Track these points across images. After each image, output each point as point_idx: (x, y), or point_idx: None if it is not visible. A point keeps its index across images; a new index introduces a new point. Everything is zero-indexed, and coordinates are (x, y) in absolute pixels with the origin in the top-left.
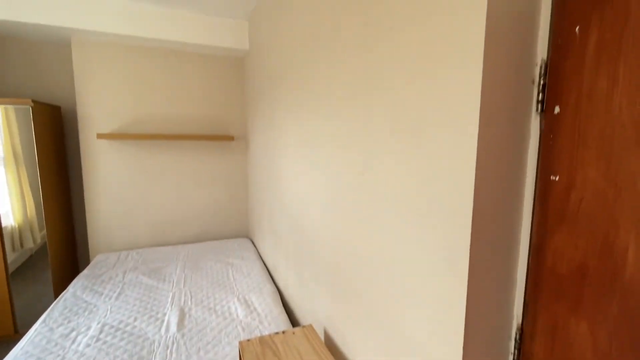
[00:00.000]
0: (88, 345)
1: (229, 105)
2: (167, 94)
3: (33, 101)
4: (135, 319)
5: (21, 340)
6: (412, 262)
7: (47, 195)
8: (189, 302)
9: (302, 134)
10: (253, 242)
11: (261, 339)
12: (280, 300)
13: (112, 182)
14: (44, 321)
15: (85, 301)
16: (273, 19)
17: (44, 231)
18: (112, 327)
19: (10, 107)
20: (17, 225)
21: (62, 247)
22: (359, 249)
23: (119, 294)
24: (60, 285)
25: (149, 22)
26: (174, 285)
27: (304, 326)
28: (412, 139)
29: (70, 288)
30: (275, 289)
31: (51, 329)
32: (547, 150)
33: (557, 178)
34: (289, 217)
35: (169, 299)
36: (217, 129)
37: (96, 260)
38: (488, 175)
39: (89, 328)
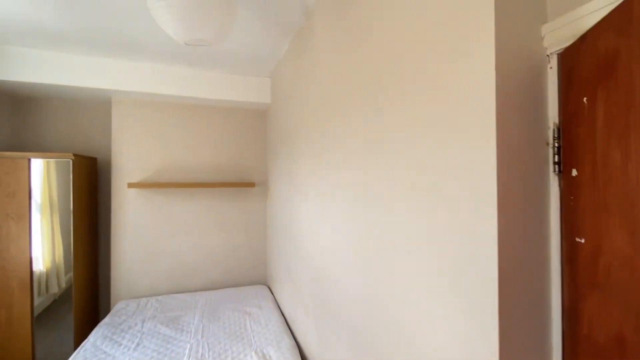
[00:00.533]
0: None
1: (251, 153)
2: (193, 144)
3: (74, 155)
4: None
5: None
6: (438, 329)
7: (77, 241)
8: (207, 356)
9: (320, 186)
10: (271, 290)
11: None
12: (299, 355)
13: (137, 229)
14: None
15: (104, 352)
16: (293, 77)
17: (69, 275)
18: None
19: (52, 160)
20: (44, 270)
21: (86, 293)
22: (383, 307)
23: (137, 344)
24: (82, 331)
25: (180, 82)
26: (192, 335)
27: None
28: (433, 198)
29: (91, 337)
30: (294, 342)
31: None
32: (569, 211)
33: (582, 240)
34: (308, 268)
35: (187, 351)
36: (239, 176)
37: (117, 307)
38: (511, 235)
39: None
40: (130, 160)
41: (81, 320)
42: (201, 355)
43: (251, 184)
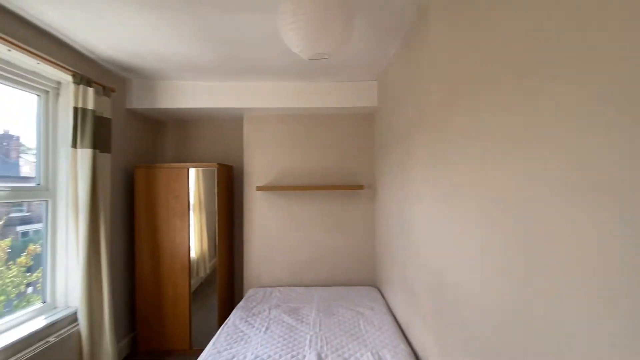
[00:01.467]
0: None
1: (359, 156)
2: (307, 150)
3: (217, 164)
4: (280, 357)
5: (199, 358)
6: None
7: (220, 235)
8: (325, 348)
9: (441, 188)
10: (381, 292)
11: None
12: None
13: (263, 226)
14: (213, 344)
15: (242, 331)
16: (404, 77)
17: (212, 262)
18: (262, 359)
19: (201, 169)
20: (195, 257)
21: (225, 278)
22: (526, 325)
23: (267, 328)
24: (222, 309)
25: (295, 95)
26: (311, 327)
27: None
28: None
29: (231, 317)
30: (411, 350)
31: (218, 352)
32: None
33: None
34: (426, 274)
35: (307, 341)
36: (348, 179)
37: (249, 294)
38: None
39: (245, 357)
40: (257, 167)
41: (222, 300)
42: (320, 347)
43: (360, 187)
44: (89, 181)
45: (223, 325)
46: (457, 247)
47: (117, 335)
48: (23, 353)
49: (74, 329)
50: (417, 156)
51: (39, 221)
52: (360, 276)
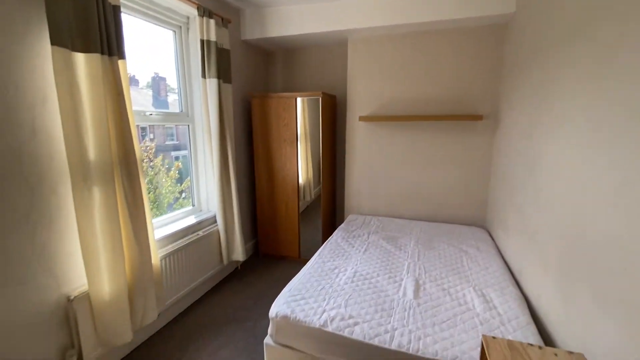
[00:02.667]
0: (346, 283)
1: (478, 82)
2: (417, 76)
3: (322, 93)
4: (378, 275)
5: (306, 265)
6: None
7: (324, 162)
8: (423, 276)
9: (596, 120)
10: (490, 234)
11: (510, 343)
12: (527, 309)
13: (364, 156)
14: (319, 255)
15: (343, 248)
16: None
17: (316, 190)
18: (362, 275)
19: (306, 98)
20: (302, 183)
21: (328, 203)
22: None
23: (365, 250)
24: (325, 230)
25: (406, 8)
26: (409, 256)
27: (571, 352)
28: None
29: (334, 236)
30: (521, 294)
31: (323, 262)
32: None
33: None
34: (553, 219)
35: (405, 267)
36: (464, 109)
37: (349, 218)
38: None
39: (346, 270)
40: (361, 96)
41: (325, 221)
42: (418, 275)
43: (477, 117)
44: (217, 108)
45: (326, 241)
46: (599, 197)
47: (244, 238)
48: (183, 239)
49: (214, 228)
50: (567, 77)
51: (184, 148)
52: (467, 215)
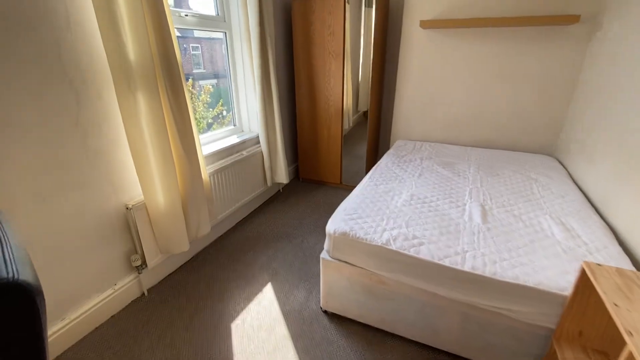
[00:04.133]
0: (404, 205)
1: None
2: None
3: None
4: (437, 199)
5: (358, 187)
6: None
7: (374, 81)
8: (489, 202)
9: None
10: (562, 164)
11: (620, 271)
12: (616, 240)
13: (420, 74)
14: (370, 178)
15: (394, 172)
16: None
17: (354, 117)
18: (419, 198)
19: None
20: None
21: (373, 127)
22: None
23: (420, 175)
24: (370, 156)
25: None
26: (470, 182)
27: None
28: None
29: (383, 160)
30: (606, 225)
31: (376, 185)
32: None
33: None
34: None
35: (467, 193)
36: (551, 8)
37: (397, 144)
38: None
39: (401, 193)
40: None
41: (369, 147)
42: (483, 200)
43: (572, 18)
44: (257, 8)
45: (375, 166)
46: None
47: (287, 160)
48: (228, 158)
49: (257, 149)
50: None
51: (211, 77)
52: (535, 142)
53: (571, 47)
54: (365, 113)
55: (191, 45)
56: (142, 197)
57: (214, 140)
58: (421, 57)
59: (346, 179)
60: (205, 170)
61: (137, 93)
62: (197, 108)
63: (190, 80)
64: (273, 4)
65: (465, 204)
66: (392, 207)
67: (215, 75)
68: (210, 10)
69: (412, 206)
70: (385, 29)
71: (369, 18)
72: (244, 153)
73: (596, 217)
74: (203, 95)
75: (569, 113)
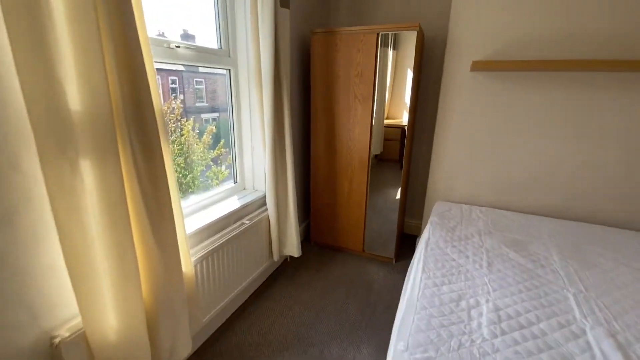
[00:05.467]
0: (492, 334)
1: None
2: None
3: (418, 25)
4: (537, 318)
5: (409, 288)
6: None
7: (409, 129)
8: (615, 325)
9: None
10: None
11: None
12: None
13: (467, 122)
14: (423, 270)
15: (453, 259)
16: None
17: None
18: (509, 315)
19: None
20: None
21: (405, 181)
22: None
23: (489, 265)
24: (400, 220)
25: None
26: (564, 279)
27: None
28: None
29: (430, 235)
30: None
31: (436, 286)
32: None
33: None
34: None
35: (572, 304)
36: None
37: (438, 207)
38: None
39: (478, 304)
40: (472, 32)
41: (401, 209)
42: (605, 321)
43: None
44: (272, 44)
45: (423, 242)
46: None
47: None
48: (224, 232)
49: (263, 214)
50: None
51: (215, 111)
52: (620, 213)
53: None
54: (377, 156)
55: (195, 79)
56: (80, 322)
57: (206, 206)
58: (467, 101)
59: (371, 245)
60: (189, 259)
61: (78, 160)
62: (195, 149)
63: (191, 118)
64: (290, 37)
65: (585, 333)
66: (476, 339)
67: (214, 115)
68: (212, 42)
69: (506, 335)
70: (420, 67)
71: (399, 57)
72: (246, 222)
73: None
74: (205, 137)
75: None
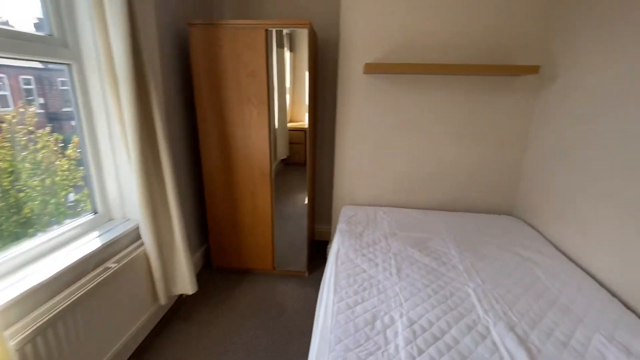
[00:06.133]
0: (411, 355)
1: (524, 20)
2: (444, 7)
3: (309, 22)
4: (447, 324)
5: (322, 314)
6: None
7: (311, 133)
8: (513, 317)
9: None
10: (528, 224)
11: None
12: None
13: (365, 125)
14: (335, 291)
15: (364, 271)
16: None
17: (275, 167)
18: (424, 329)
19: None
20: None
21: (314, 191)
22: None
23: (399, 270)
24: (310, 229)
25: None
26: (464, 274)
27: None
28: None
29: (339, 246)
30: None
31: (348, 306)
32: None
33: None
34: None
35: (474, 300)
36: (502, 58)
37: (345, 212)
38: None
39: (393, 320)
40: (364, 34)
41: (311, 215)
42: (504, 315)
43: (532, 69)
44: (126, 25)
45: (333, 255)
46: None
47: (192, 251)
48: (75, 287)
49: (138, 251)
50: None
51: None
52: (493, 202)
53: (520, 99)
54: (283, 161)
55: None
56: None
57: (46, 254)
58: (363, 107)
59: (281, 262)
60: (5, 345)
61: None
62: (57, 168)
63: (47, 128)
64: (158, 24)
65: (489, 331)
66: None
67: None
68: (38, 27)
69: (424, 355)
70: (316, 68)
71: (297, 59)
72: (112, 265)
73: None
74: (71, 150)
75: (528, 169)
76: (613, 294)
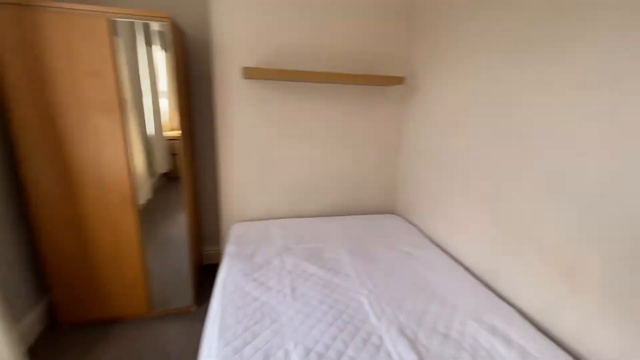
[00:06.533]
0: None
1: (393, 34)
2: (319, 17)
3: (169, 18)
4: (344, 343)
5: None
6: None
7: (185, 145)
8: (401, 319)
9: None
10: (408, 220)
11: None
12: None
13: (247, 132)
14: (219, 335)
15: (256, 299)
16: None
17: (152, 182)
18: (320, 356)
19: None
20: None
21: (193, 209)
22: None
23: (292, 290)
24: (193, 255)
25: None
26: (356, 282)
27: None
28: None
29: (226, 275)
30: (515, 310)
31: (236, 352)
32: None
33: None
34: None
35: (368, 309)
36: (376, 68)
37: (236, 232)
38: None
39: (287, 355)
40: (238, 37)
41: (192, 241)
42: (395, 318)
43: (397, 80)
44: None
45: (219, 286)
46: None
47: (15, 313)
48: None
49: None
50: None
51: None
52: (378, 203)
53: (392, 107)
54: (165, 175)
55: None
56: None
57: None
58: (247, 114)
59: (159, 301)
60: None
61: None
62: None
63: None
64: None
65: (382, 340)
66: None
67: None
68: None
69: None
70: (187, 70)
71: (159, 59)
72: None
73: (508, 308)
74: None
75: (403, 170)
76: (478, 278)
